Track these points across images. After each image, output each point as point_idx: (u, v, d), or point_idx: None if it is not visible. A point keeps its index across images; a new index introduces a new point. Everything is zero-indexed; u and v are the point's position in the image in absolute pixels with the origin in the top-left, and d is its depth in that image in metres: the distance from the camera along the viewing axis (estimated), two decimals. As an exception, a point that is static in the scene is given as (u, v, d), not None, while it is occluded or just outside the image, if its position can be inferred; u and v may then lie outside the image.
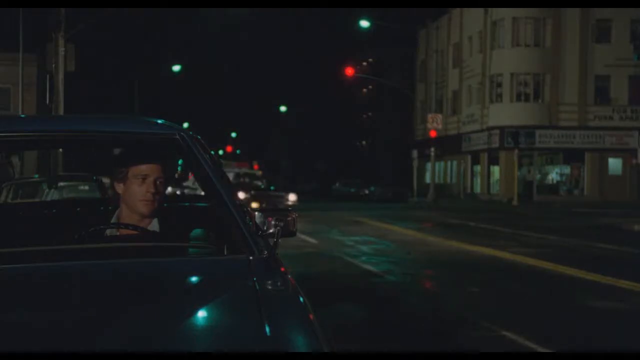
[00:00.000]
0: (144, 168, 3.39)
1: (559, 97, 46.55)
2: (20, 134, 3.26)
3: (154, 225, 3.44)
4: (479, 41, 49.91)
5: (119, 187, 3.43)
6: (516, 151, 42.83)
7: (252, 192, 30.82)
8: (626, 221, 25.92)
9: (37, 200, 12.47)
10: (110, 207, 3.68)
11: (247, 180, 34.50)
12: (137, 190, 3.39)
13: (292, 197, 30.15)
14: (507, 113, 46.38)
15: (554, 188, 48.17)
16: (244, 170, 35.62)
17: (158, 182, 3.40)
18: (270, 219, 3.07)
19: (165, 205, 3.63)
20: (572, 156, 47.13)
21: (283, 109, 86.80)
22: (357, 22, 47.22)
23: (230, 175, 30.49)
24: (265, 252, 2.95)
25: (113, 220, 3.48)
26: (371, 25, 48.14)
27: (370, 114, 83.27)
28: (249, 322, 2.36)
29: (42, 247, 3.00)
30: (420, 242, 18.67)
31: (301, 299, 2.65)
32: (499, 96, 47.23)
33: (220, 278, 2.79)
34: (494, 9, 46.58)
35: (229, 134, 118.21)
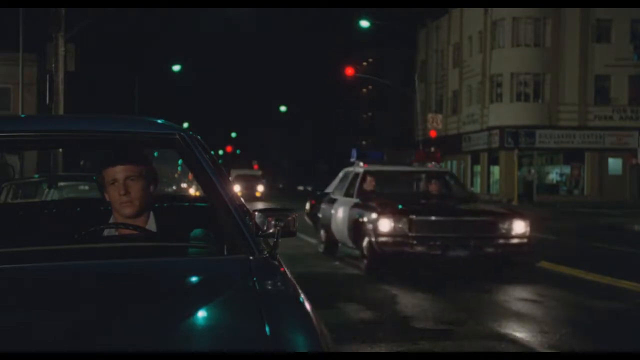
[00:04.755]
0: (112, 171, 3.41)
1: (559, 97, 46.54)
2: (20, 134, 3.26)
3: (151, 225, 3.44)
4: (479, 41, 49.90)
5: (106, 196, 3.47)
6: (516, 151, 42.83)
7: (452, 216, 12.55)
8: (626, 221, 25.91)
9: (37, 200, 12.45)
10: (110, 207, 3.68)
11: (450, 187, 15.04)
12: (113, 195, 3.42)
13: (519, 227, 12.21)
14: (507, 113, 46.38)
15: (554, 188, 48.18)
16: (436, 168, 15.45)
17: (128, 181, 3.39)
18: (270, 219, 3.07)
19: (156, 205, 3.63)
20: (572, 156, 47.13)
21: (283, 109, 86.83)
22: (357, 22, 47.23)
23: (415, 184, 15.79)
24: (265, 252, 2.96)
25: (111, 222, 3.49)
26: (371, 25, 48.13)
27: (370, 113, 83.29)
28: (249, 322, 2.36)
29: (42, 247, 3.00)
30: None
31: (301, 299, 2.65)
32: (499, 96, 47.23)
33: (220, 278, 2.79)
34: (494, 9, 46.56)
35: (229, 134, 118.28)
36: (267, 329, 2.30)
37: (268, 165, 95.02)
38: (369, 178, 14.49)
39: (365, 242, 12.40)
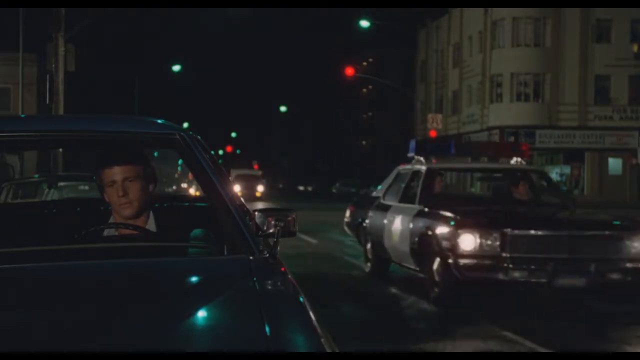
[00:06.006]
0: (110, 172, 3.40)
1: (559, 97, 46.56)
2: (20, 134, 3.26)
3: (151, 225, 3.44)
4: (479, 41, 49.91)
5: (105, 197, 3.46)
6: (516, 151, 42.80)
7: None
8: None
9: (37, 200, 12.46)
10: (110, 207, 3.69)
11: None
12: (112, 196, 3.42)
13: None
14: (507, 113, 46.39)
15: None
16: (523, 165, 11.66)
17: (127, 182, 3.39)
18: (270, 218, 3.07)
19: (157, 205, 3.64)
20: (572, 156, 47.14)
21: (283, 109, 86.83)
22: (357, 22, 47.24)
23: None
24: (265, 252, 2.96)
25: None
26: (371, 25, 48.13)
27: (370, 113, 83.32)
28: (249, 322, 2.36)
29: (42, 247, 3.00)
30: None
31: (301, 299, 2.65)
32: (499, 96, 47.25)
33: (220, 278, 2.79)
34: (494, 9, 46.57)
35: (229, 134, 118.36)
36: (267, 329, 2.30)
37: (268, 165, 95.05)
38: (436, 178, 11.39)
39: (436, 264, 9.44)
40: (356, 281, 11.96)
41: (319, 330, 2.40)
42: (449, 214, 9.50)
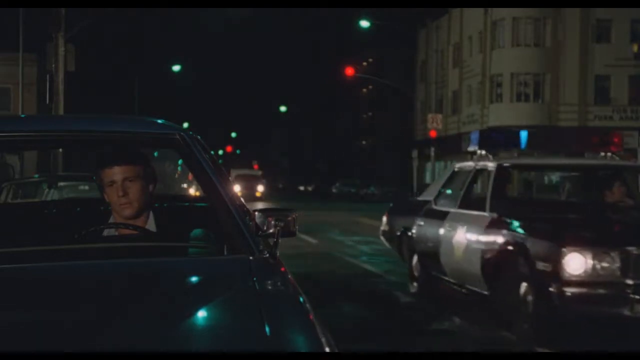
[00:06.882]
0: (109, 172, 3.40)
1: (559, 97, 46.56)
2: (20, 134, 3.27)
3: (150, 225, 3.45)
4: (479, 41, 49.92)
5: (105, 197, 3.46)
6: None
7: None
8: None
9: (37, 200, 12.46)
10: (110, 207, 3.70)
11: None
12: (112, 197, 3.42)
13: None
14: (507, 113, 46.37)
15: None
16: (619, 161, 9.28)
17: (127, 183, 3.39)
18: (270, 218, 3.07)
19: (157, 205, 3.64)
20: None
21: (283, 109, 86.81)
22: (357, 22, 47.24)
23: None
24: (266, 252, 2.96)
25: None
26: (371, 25, 48.12)
27: (370, 113, 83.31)
28: (249, 322, 2.36)
29: (42, 247, 3.00)
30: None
31: (301, 299, 2.65)
32: (499, 96, 47.23)
33: (220, 278, 2.79)
34: (494, 9, 46.58)
35: (229, 134, 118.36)
36: (267, 329, 2.30)
37: (268, 165, 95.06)
38: (509, 178, 9.46)
39: (522, 290, 7.36)
40: (356, 281, 11.94)
41: (319, 330, 2.40)
42: (543, 225, 7.50)
